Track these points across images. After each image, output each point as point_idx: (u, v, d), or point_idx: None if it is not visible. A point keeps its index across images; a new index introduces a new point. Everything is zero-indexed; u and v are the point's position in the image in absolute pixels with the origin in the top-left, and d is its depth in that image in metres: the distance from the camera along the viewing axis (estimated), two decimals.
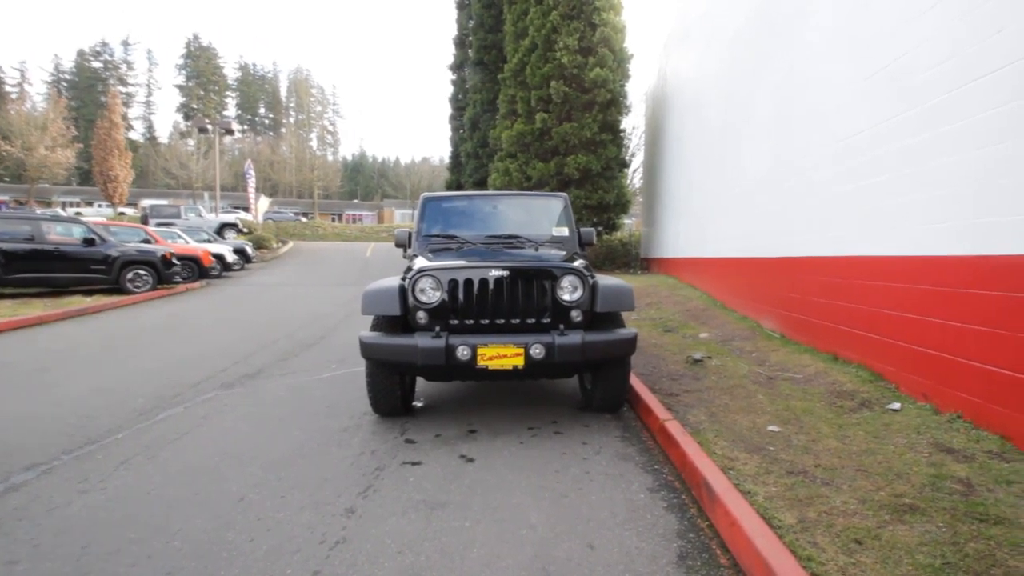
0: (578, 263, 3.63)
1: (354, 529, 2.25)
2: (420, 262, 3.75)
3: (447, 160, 26.00)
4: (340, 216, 52.43)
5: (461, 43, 21.22)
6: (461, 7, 20.82)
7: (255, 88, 72.08)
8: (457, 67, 21.73)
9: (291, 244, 25.18)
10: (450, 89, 22.82)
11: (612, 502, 2.48)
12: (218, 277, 14.44)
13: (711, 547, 2.11)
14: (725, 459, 2.73)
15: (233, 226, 21.77)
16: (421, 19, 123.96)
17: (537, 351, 3.19)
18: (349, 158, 72.85)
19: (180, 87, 65.64)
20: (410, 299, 3.39)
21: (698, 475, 2.52)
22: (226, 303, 10.26)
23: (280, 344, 6.30)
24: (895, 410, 3.39)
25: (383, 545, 2.12)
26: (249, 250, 18.07)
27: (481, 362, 3.17)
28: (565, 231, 4.74)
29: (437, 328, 3.30)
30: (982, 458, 2.64)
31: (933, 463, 2.64)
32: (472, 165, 18.20)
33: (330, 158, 66.58)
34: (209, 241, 16.39)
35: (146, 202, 28.63)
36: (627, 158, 14.95)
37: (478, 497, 2.54)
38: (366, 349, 3.29)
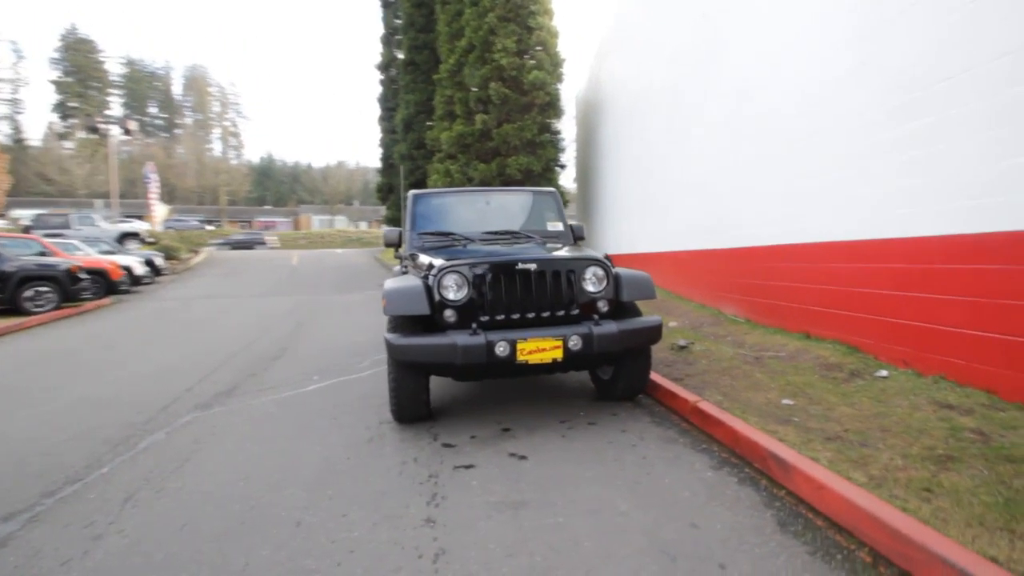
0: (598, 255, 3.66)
1: (447, 539, 2.10)
2: (431, 258, 3.61)
3: (364, 164, 25.15)
4: (250, 223, 48.96)
5: (388, 42, 20.67)
6: (386, 5, 20.28)
7: (144, 86, 65.32)
8: (385, 66, 21.13)
9: (204, 254, 23.13)
10: (378, 89, 22.13)
11: (685, 483, 2.53)
12: (127, 292, 12.93)
13: (801, 512, 2.21)
14: (768, 432, 2.88)
15: (134, 236, 19.60)
16: (327, 16, 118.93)
17: (575, 343, 3.17)
18: (255, 161, 68.33)
19: (56, 83, 57.89)
20: (435, 296, 3.24)
21: (758, 449, 2.64)
22: (150, 320, 9.20)
23: (240, 359, 5.75)
24: (884, 377, 3.76)
25: (488, 551, 2.01)
26: (158, 261, 16.37)
27: (520, 357, 3.09)
28: (560, 225, 4.77)
29: (474, 325, 3.18)
30: (980, 410, 2.99)
31: (942, 418, 2.95)
32: (407, 167, 17.76)
33: (234, 161, 61.96)
34: (112, 253, 14.64)
35: (20, 212, 24.91)
36: (563, 160, 15.34)
37: (554, 492, 2.47)
38: (398, 351, 3.09)
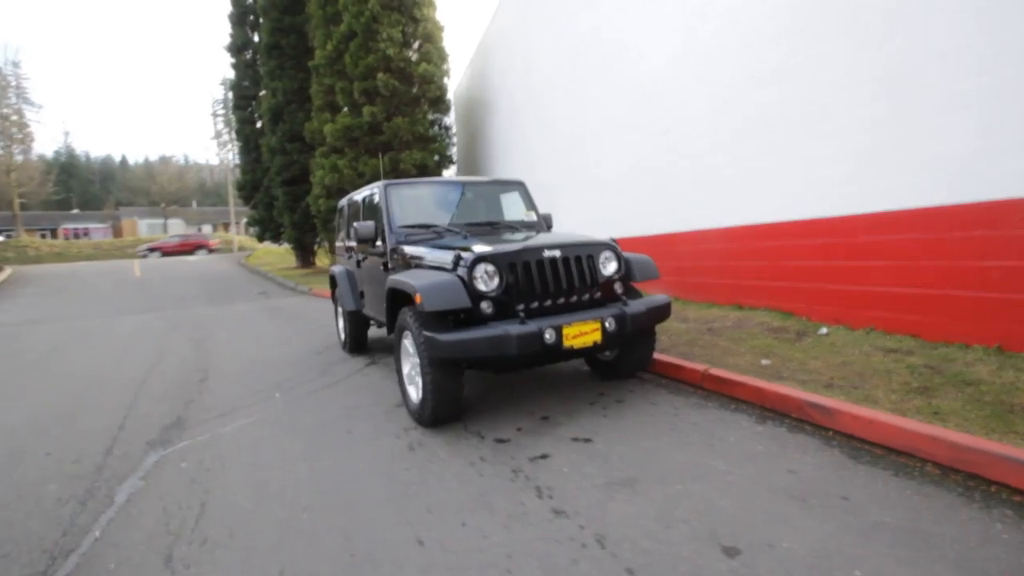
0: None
1: (594, 524, 2.08)
2: (436, 250, 3.44)
3: (196, 159, 22.04)
4: (54, 232, 40.11)
5: (241, 21, 18.43)
6: None
7: None
8: (238, 49, 18.82)
9: (9, 271, 18.49)
10: (225, 75, 19.66)
11: (749, 439, 2.80)
12: None
13: (857, 446, 2.60)
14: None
15: None
16: None
17: (611, 324, 3.28)
18: (49, 156, 56.13)
19: None
20: (469, 288, 3.11)
21: (791, 400, 3.02)
22: None
23: (153, 388, 4.82)
24: (825, 334, 4.49)
25: (643, 526, 2.04)
26: None
27: (567, 342, 3.11)
28: (534, 216, 4.83)
29: (522, 313, 3.11)
30: (918, 351, 3.75)
31: (895, 360, 3.65)
32: (280, 161, 16.09)
33: (19, 157, 50.44)
34: None
35: None
36: (452, 155, 15.25)
37: (651, 465, 2.57)
38: (448, 347, 2.91)
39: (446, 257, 3.31)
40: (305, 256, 19.89)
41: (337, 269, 5.86)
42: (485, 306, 3.14)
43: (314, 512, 2.36)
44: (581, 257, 3.48)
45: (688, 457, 2.62)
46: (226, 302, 11.79)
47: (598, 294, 3.51)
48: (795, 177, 4.97)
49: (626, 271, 3.67)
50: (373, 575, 1.88)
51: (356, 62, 13.20)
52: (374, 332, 6.10)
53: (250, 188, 19.22)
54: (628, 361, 3.92)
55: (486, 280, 3.16)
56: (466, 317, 3.17)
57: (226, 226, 41.56)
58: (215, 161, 39.96)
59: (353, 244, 5.29)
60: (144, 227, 41.42)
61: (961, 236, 3.66)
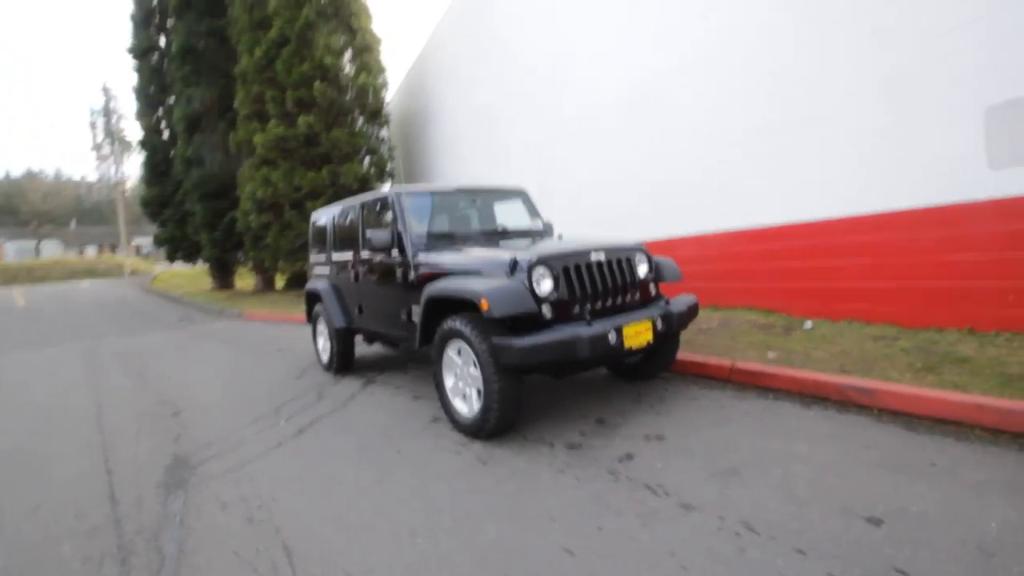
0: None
1: (727, 513, 2.12)
2: (460, 256, 3.35)
3: (69, 174, 19.66)
4: None
5: (146, 23, 16.79)
6: None
7: None
8: (143, 52, 17.07)
9: None
10: (126, 80, 17.79)
11: (809, 423, 2.99)
12: None
13: (905, 420, 2.87)
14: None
15: None
16: None
17: (660, 324, 3.37)
18: None
19: None
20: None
21: (829, 385, 3.28)
22: None
23: (118, 425, 4.20)
24: (811, 328, 4.92)
25: (781, 510, 2.11)
26: None
27: (627, 343, 3.15)
28: (540, 223, 4.85)
29: (588, 316, 3.10)
30: (903, 336, 4.22)
31: (887, 346, 4.07)
32: (198, 174, 14.75)
33: None
34: None
35: None
36: (391, 169, 14.87)
37: (740, 454, 2.66)
38: (524, 353, 2.82)
39: (500, 262, 3.23)
40: (224, 277, 18.30)
41: (320, 285, 5.47)
42: (546, 310, 3.11)
43: (427, 536, 2.17)
44: (621, 259, 3.55)
45: (767, 443, 2.75)
46: (144, 331, 10.54)
47: (637, 295, 3.60)
48: (768, 185, 5.44)
49: (656, 273, 3.80)
50: None
51: (289, 70, 12.56)
52: (360, 351, 5.76)
53: (158, 204, 17.39)
54: (655, 361, 4.03)
55: (545, 284, 3.13)
56: (524, 323, 3.10)
57: (113, 247, 37.28)
58: (94, 176, 35.62)
59: (346, 257, 4.99)
60: (11, 250, 35.78)
61: (930, 235, 4.20)
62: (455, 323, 3.21)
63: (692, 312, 3.63)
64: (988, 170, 3.81)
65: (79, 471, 3.24)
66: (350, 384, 4.95)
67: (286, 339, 8.39)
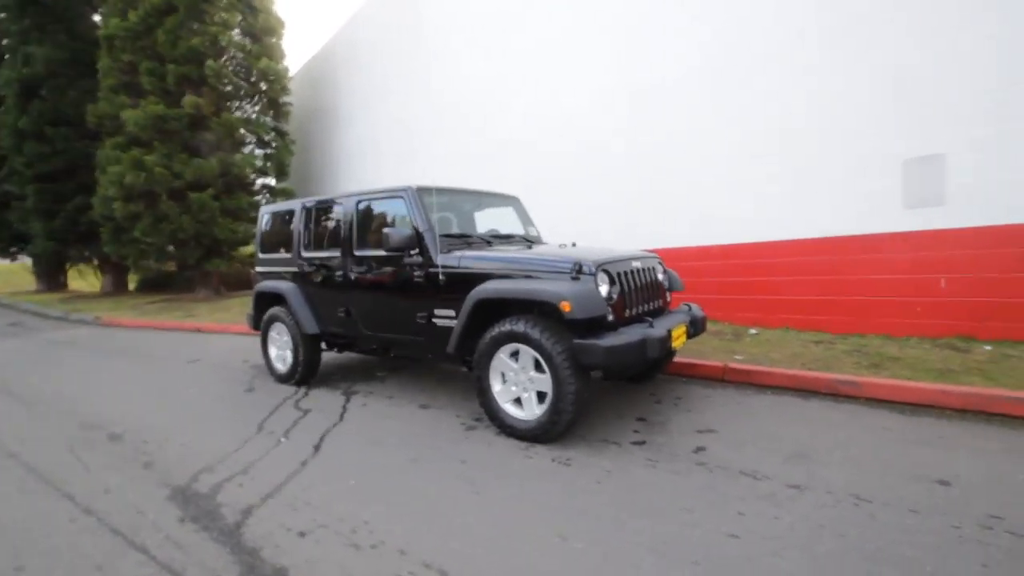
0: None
1: (838, 490, 2.41)
2: (545, 259, 3.33)
3: None
4: None
5: None
6: None
7: None
8: None
9: None
10: None
11: (821, 412, 3.48)
12: None
13: (889, 406, 3.49)
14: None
15: None
16: None
17: (690, 328, 3.67)
18: None
19: None
20: None
21: (821, 380, 3.85)
22: None
23: (41, 456, 3.33)
24: (756, 333, 5.66)
25: (869, 484, 2.45)
26: None
27: (674, 344, 3.37)
28: (534, 230, 4.93)
29: (649, 320, 3.25)
30: (837, 341, 5.07)
31: (827, 348, 4.88)
32: (33, 149, 11.94)
33: None
34: None
35: None
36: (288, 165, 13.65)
37: (792, 441, 3.00)
38: (607, 354, 2.88)
39: (561, 265, 3.24)
40: (52, 276, 15.00)
41: (284, 287, 4.88)
42: (609, 312, 3.20)
43: (582, 538, 2.11)
44: (649, 268, 3.80)
45: (805, 430, 3.16)
46: None
47: (660, 301, 3.87)
48: (714, 209, 6.18)
49: (668, 282, 4.12)
50: (727, 566, 1.86)
51: (175, 42, 11.02)
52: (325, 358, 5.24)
53: None
54: (663, 363, 4.33)
55: (605, 288, 3.23)
56: (590, 326, 3.14)
57: None
58: None
59: (327, 256, 4.53)
60: None
61: (855, 257, 5.16)
62: (518, 325, 3.14)
63: (705, 319, 4.01)
64: (903, 208, 4.83)
65: (49, 520, 2.52)
66: (327, 396, 4.49)
67: (186, 349, 7.29)
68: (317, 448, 3.29)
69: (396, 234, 3.73)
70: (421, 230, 3.82)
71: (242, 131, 11.65)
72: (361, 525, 2.30)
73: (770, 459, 2.78)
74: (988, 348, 4.27)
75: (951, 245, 4.58)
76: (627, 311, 3.39)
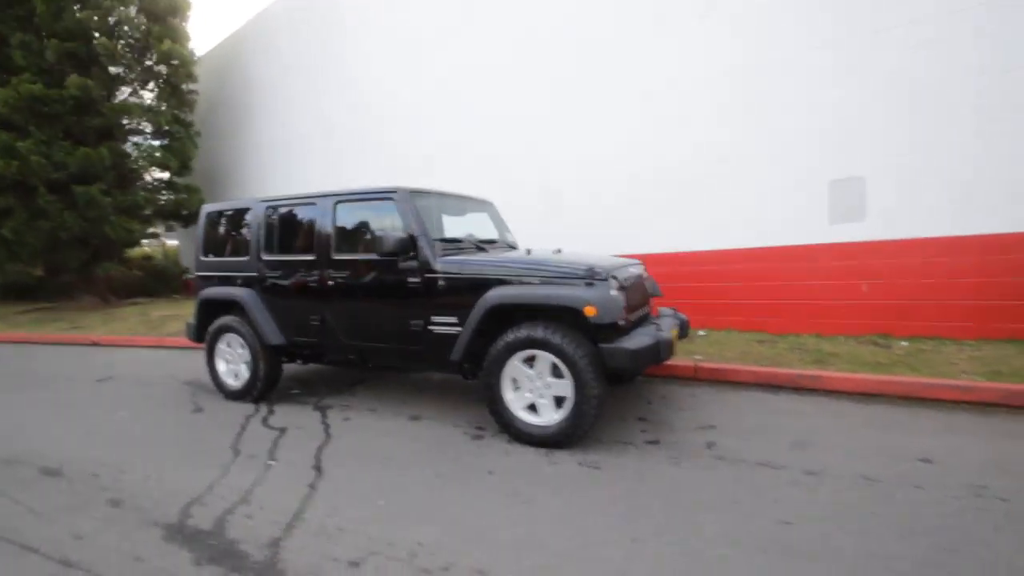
0: None
1: (845, 470, 2.67)
2: (552, 264, 3.36)
3: None
4: None
5: None
6: None
7: None
8: None
9: None
10: None
11: (792, 404, 3.84)
12: None
13: (848, 396, 3.95)
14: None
15: None
16: None
17: (680, 330, 3.88)
18: None
19: None
20: None
21: (783, 375, 4.26)
22: None
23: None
24: (705, 335, 6.11)
25: (859, 457, 2.75)
26: None
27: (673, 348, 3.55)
28: (510, 236, 4.92)
29: (656, 324, 3.37)
30: (778, 341, 5.62)
31: (771, 346, 5.39)
32: None
33: None
34: None
35: None
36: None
37: (791, 433, 3.29)
38: (634, 356, 2.98)
39: (574, 270, 3.26)
40: None
41: (240, 293, 4.40)
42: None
43: (652, 540, 2.15)
44: (640, 274, 3.97)
45: (788, 421, 3.48)
46: None
47: (648, 307, 4.06)
48: (658, 221, 6.60)
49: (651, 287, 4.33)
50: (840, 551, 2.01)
51: (58, 13, 9.57)
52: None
53: None
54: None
55: (617, 293, 3.31)
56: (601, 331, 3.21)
57: None
58: None
59: (296, 260, 4.17)
60: None
61: (790, 265, 5.77)
62: (536, 331, 3.12)
63: (688, 323, 4.26)
64: (828, 224, 5.50)
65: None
66: (297, 412, 4.13)
67: (87, 366, 6.38)
68: (318, 469, 3.01)
69: (391, 237, 3.54)
70: (416, 234, 3.66)
71: (142, 119, 10.31)
72: (418, 548, 2.15)
73: (776, 449, 3.03)
74: (905, 344, 4.99)
75: (870, 255, 5.31)
76: (632, 316, 3.51)
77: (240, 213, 4.60)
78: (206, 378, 5.31)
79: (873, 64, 5.24)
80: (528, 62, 7.61)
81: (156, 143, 11.43)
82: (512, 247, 4.62)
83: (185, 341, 7.59)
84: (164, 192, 11.59)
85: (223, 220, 4.74)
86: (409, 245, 3.61)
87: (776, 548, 2.06)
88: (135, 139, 11.01)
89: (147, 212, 11.26)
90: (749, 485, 2.60)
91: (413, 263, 3.66)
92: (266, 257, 4.36)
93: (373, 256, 3.80)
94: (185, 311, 9.92)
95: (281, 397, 4.58)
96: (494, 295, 3.29)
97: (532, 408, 3.25)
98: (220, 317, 4.58)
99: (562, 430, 3.10)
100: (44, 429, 3.99)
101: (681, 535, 2.18)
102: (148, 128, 11.02)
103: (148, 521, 2.47)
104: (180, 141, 11.29)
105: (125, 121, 10.69)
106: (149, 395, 4.91)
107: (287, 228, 4.31)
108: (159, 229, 12.22)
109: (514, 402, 3.28)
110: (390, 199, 3.80)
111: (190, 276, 14.00)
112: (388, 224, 3.89)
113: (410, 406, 4.18)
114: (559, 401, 3.16)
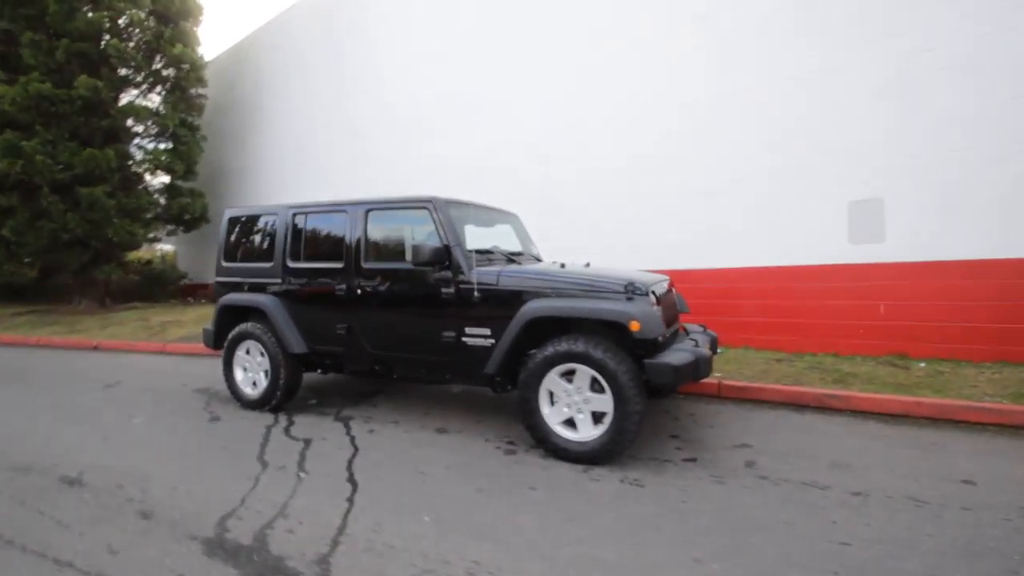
0: None
1: (890, 490, 2.66)
2: (591, 278, 3.34)
3: None
4: None
5: None
6: None
7: None
8: None
9: None
10: None
11: (821, 424, 3.83)
12: None
13: (875, 417, 3.94)
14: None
15: None
16: None
17: (711, 346, 3.87)
18: None
19: None
20: None
21: (809, 395, 4.26)
22: None
23: (14, 507, 2.64)
24: (721, 352, 6.07)
25: (901, 479, 2.74)
26: None
27: None
28: (534, 248, 4.91)
29: (694, 340, 3.36)
30: (795, 360, 5.62)
31: (790, 365, 5.39)
32: None
33: None
34: None
35: None
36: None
37: (819, 448, 3.27)
38: (680, 372, 2.97)
39: (613, 284, 3.25)
40: None
41: (264, 300, 4.33)
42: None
43: (726, 558, 2.11)
44: (671, 290, 3.96)
45: (826, 442, 3.46)
46: None
47: (678, 323, 4.05)
48: (678, 238, 6.63)
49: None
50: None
51: (70, 13, 9.52)
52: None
53: None
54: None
55: (657, 309, 3.30)
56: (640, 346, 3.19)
57: None
58: None
59: (324, 268, 4.12)
60: None
61: (807, 285, 5.80)
62: (577, 345, 3.09)
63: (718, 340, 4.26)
64: (848, 243, 5.55)
65: None
66: (318, 423, 4.06)
67: (93, 371, 6.24)
68: (353, 482, 2.94)
69: (428, 247, 3.51)
70: (451, 244, 3.63)
71: (149, 122, 10.25)
72: (475, 567, 2.09)
73: (816, 469, 3.01)
74: (923, 365, 5.02)
75: (888, 276, 5.35)
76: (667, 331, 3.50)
77: (265, 219, 4.55)
78: (218, 386, 5.23)
79: (901, 86, 5.33)
80: (534, 75, 7.68)
81: (162, 146, 11.35)
82: (538, 259, 4.60)
83: (190, 348, 7.48)
84: (168, 196, 11.47)
85: (247, 225, 4.68)
86: (444, 255, 3.58)
87: (845, 570, 2.02)
88: (141, 142, 10.91)
89: (149, 216, 11.15)
90: (799, 506, 2.57)
91: (447, 273, 3.63)
92: (292, 264, 4.31)
93: (406, 265, 3.77)
94: (186, 317, 9.77)
95: (298, 407, 4.50)
96: (535, 307, 3.26)
97: (569, 423, 3.22)
98: (240, 324, 4.50)
99: (602, 446, 3.06)
100: (55, 435, 3.88)
101: (742, 557, 2.14)
102: (154, 131, 10.93)
103: (184, 535, 2.39)
104: (187, 145, 11.22)
105: (131, 124, 10.60)
106: (161, 402, 4.80)
107: (315, 235, 4.27)
108: (160, 233, 12.08)
109: (551, 416, 3.23)
110: (425, 208, 3.78)
111: (188, 281, 13.84)
112: (421, 233, 3.87)
113: (433, 418, 4.12)
114: (597, 416, 3.13)
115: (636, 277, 3.35)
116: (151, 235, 11.46)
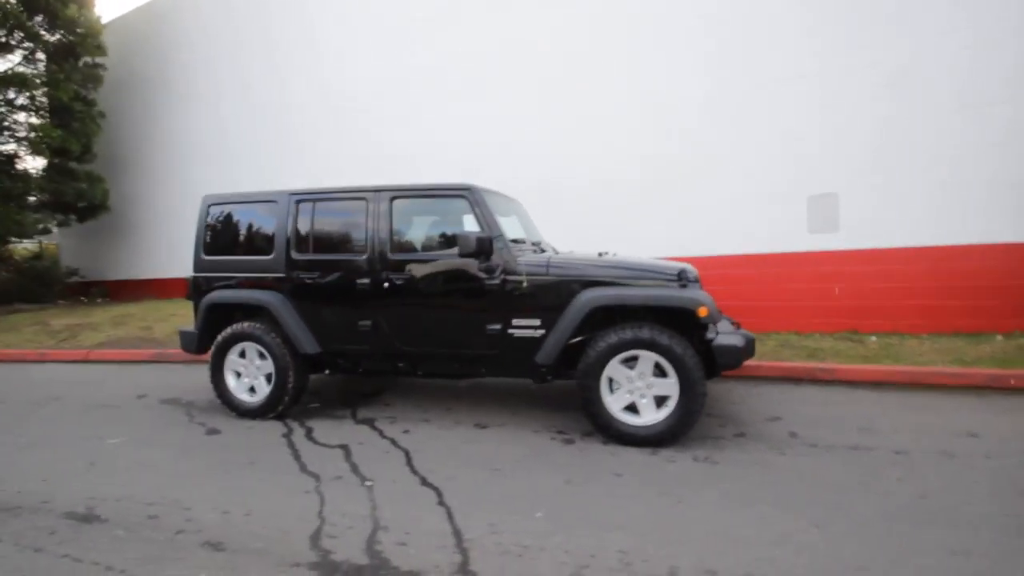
0: None
1: (921, 447, 3.02)
2: (643, 266, 3.41)
3: None
4: None
5: None
6: None
7: None
8: None
9: None
10: None
11: (821, 394, 4.24)
12: None
13: (863, 385, 4.43)
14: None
15: None
16: None
17: None
18: None
19: None
20: None
21: (801, 369, 4.70)
22: None
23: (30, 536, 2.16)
24: None
25: (918, 437, 3.13)
26: None
27: None
28: (538, 235, 4.88)
29: (736, 323, 3.54)
30: (766, 340, 6.14)
31: (762, 344, 5.89)
32: None
33: None
34: None
35: None
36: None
37: (839, 416, 3.62)
38: (740, 354, 3.14)
39: (667, 272, 3.34)
40: None
41: (267, 298, 3.89)
42: None
43: (830, 526, 2.27)
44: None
45: (842, 410, 3.83)
46: None
47: None
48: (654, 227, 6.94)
49: None
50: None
51: None
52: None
53: None
54: None
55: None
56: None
57: None
58: None
59: (340, 260, 3.79)
60: None
61: (771, 271, 6.34)
62: (642, 332, 3.14)
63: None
64: (808, 234, 6.15)
65: None
66: (339, 426, 3.79)
67: (7, 387, 5.32)
68: (428, 484, 2.77)
69: (473, 237, 3.37)
70: (492, 234, 3.51)
71: (38, 94, 8.71)
72: (624, 556, 2.07)
73: (851, 434, 3.33)
74: (874, 339, 5.72)
75: (841, 262, 6.02)
76: None
77: (258, 206, 4.09)
78: (191, 395, 4.70)
79: (849, 98, 5.97)
80: (516, 62, 7.62)
81: (40, 121, 9.68)
82: (553, 248, 4.59)
83: (120, 354, 6.57)
84: (58, 180, 9.83)
85: (233, 214, 4.17)
86: (488, 245, 3.45)
87: (941, 519, 2.27)
88: (24, 117, 9.23)
89: (33, 200, 9.49)
90: (860, 467, 2.84)
91: (490, 263, 3.51)
92: (298, 256, 3.91)
93: (444, 255, 3.59)
94: (96, 319, 8.50)
95: (304, 413, 4.13)
96: (597, 295, 3.26)
97: (629, 409, 3.27)
98: (231, 324, 4.02)
99: (668, 428, 3.15)
100: (16, 466, 3.23)
101: (849, 517, 2.32)
102: (44, 104, 9.28)
103: (282, 562, 2.11)
104: (81, 122, 9.69)
105: (12, 95, 8.93)
106: (129, 418, 4.16)
107: (326, 224, 3.91)
108: (51, 224, 10.30)
109: (613, 403, 3.26)
110: (463, 196, 3.61)
111: (80, 279, 12.03)
112: (453, 222, 3.71)
113: (467, 414, 3.98)
114: (659, 400, 3.21)
115: (683, 266, 3.47)
116: (41, 226, 9.74)
